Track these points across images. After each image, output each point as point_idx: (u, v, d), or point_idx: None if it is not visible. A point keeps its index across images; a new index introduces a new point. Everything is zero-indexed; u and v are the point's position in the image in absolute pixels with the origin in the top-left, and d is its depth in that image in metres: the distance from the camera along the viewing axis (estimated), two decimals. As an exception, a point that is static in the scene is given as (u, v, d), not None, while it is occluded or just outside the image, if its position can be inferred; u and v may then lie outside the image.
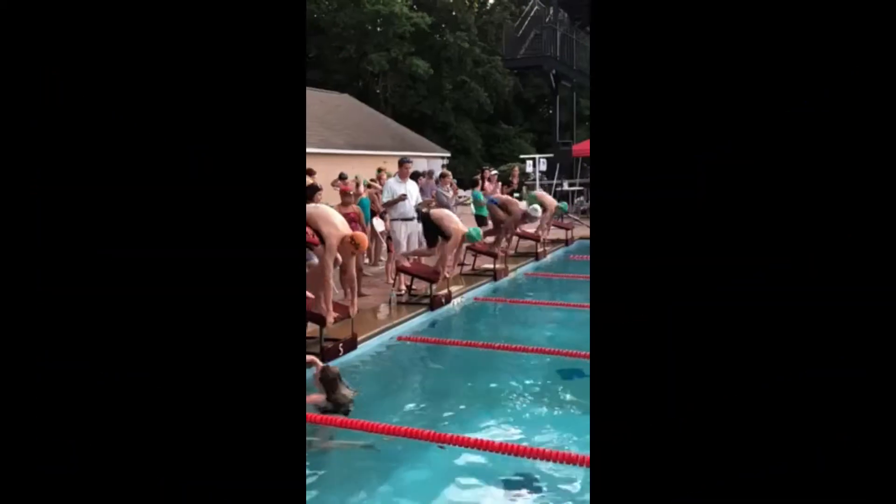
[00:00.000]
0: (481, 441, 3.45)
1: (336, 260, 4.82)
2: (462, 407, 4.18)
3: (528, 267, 9.48)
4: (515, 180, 12.57)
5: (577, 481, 3.13)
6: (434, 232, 6.57)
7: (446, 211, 6.95)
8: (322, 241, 4.74)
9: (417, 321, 6.12)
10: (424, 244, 6.93)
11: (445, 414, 4.06)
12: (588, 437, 3.70)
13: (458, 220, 6.68)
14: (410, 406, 4.28)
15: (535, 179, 14.61)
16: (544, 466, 3.25)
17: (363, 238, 4.94)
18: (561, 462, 3.25)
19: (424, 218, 6.68)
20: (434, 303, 6.45)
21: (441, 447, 3.41)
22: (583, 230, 13.19)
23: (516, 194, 12.26)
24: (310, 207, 4.80)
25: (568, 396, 4.42)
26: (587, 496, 3.03)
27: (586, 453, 3.32)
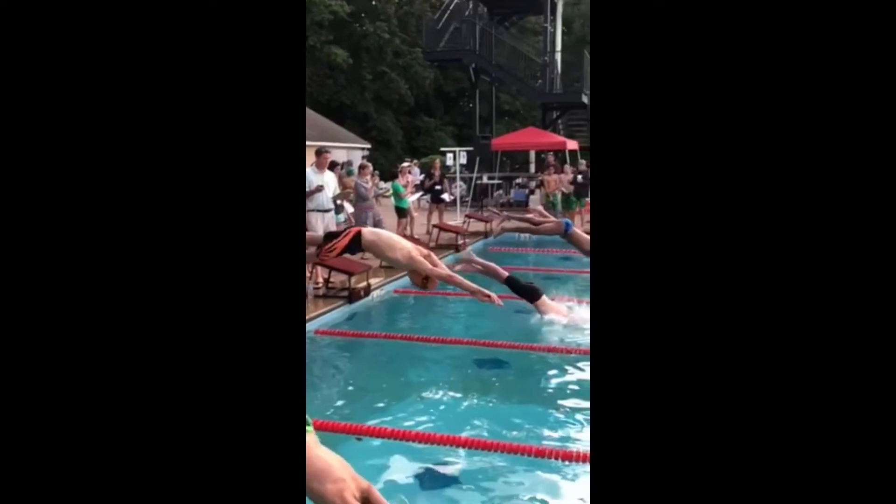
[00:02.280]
0: (399, 432, 3.43)
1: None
2: (380, 399, 4.15)
3: (449, 259, 9.53)
4: (437, 172, 12.62)
5: (498, 470, 3.18)
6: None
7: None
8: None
9: (336, 314, 6.02)
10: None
11: (363, 406, 4.01)
12: (507, 425, 3.76)
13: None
14: (328, 399, 4.21)
15: (455, 172, 14.68)
16: (464, 456, 3.27)
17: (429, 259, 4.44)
18: (480, 450, 3.28)
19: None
20: (352, 295, 6.36)
21: (359, 439, 3.37)
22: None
23: (438, 186, 12.32)
24: (369, 234, 4.31)
25: (486, 386, 4.48)
26: (507, 485, 3.10)
27: (505, 441, 3.38)
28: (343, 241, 4.31)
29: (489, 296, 4.20)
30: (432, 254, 4.48)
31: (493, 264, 5.80)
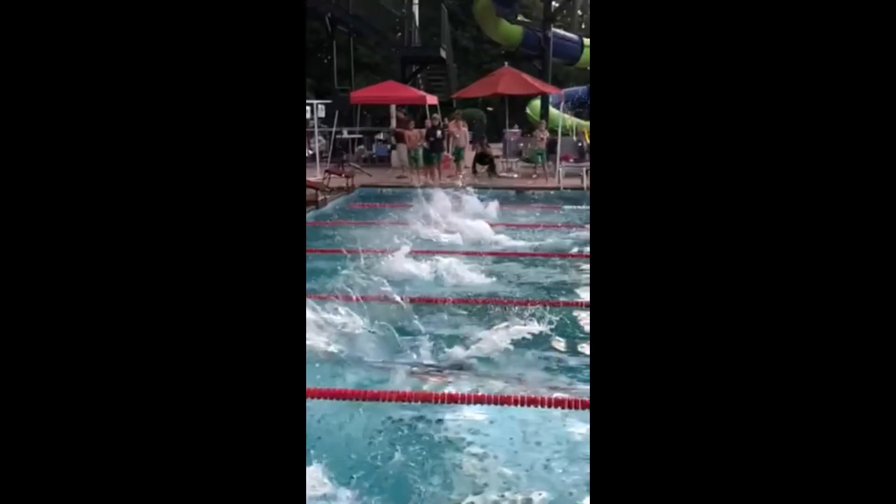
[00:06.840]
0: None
1: None
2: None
3: (309, 216, 9.35)
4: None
5: (358, 416, 3.26)
6: None
7: None
8: None
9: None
10: None
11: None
12: (370, 378, 3.83)
13: None
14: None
15: (314, 126, 14.24)
16: (327, 407, 3.32)
17: None
18: (341, 399, 3.34)
19: None
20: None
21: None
22: (363, 178, 13.32)
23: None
24: None
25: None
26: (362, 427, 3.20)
27: (370, 388, 3.47)
28: None
29: None
30: None
31: None
